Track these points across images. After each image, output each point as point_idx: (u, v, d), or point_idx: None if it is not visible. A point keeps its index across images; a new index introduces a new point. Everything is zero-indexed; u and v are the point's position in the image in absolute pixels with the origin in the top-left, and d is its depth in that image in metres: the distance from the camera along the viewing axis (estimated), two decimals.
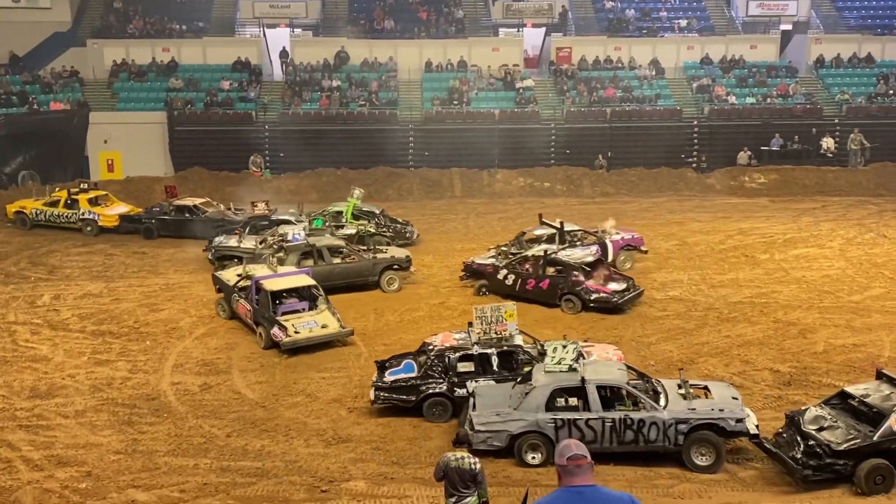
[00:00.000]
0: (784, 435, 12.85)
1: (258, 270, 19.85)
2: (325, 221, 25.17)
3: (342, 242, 22.79)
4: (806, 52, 40.23)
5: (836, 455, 12.00)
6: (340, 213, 26.25)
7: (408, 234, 26.73)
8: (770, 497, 12.18)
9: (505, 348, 15.23)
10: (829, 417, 12.69)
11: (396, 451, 13.69)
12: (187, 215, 27.90)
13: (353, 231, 24.48)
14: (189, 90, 37.17)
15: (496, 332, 15.37)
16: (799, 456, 12.20)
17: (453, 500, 10.13)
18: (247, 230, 25.07)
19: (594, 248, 22.02)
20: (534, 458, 13.08)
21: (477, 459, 10.30)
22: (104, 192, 30.08)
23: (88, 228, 28.56)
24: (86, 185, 29.93)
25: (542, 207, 29.57)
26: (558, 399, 13.28)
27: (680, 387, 13.69)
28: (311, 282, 19.19)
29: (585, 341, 16.45)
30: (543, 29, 42.04)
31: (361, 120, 36.19)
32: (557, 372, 13.48)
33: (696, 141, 36.38)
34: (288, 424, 14.67)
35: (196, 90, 37.18)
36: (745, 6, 42.37)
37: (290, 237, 22.41)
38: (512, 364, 15.15)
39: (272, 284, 18.71)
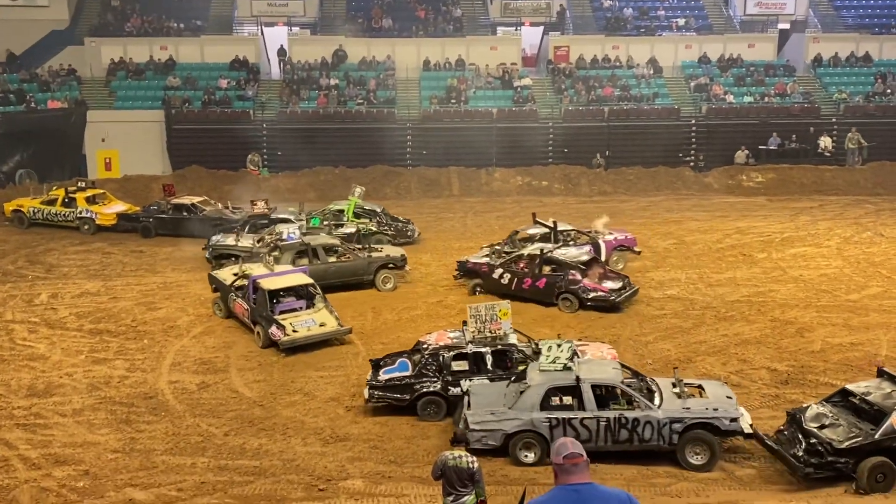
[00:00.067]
0: (785, 433, 12.86)
1: (254, 269, 19.83)
2: (325, 220, 25.16)
3: (337, 241, 22.78)
4: (804, 51, 40.23)
5: (837, 453, 12.02)
6: (341, 211, 26.18)
7: (409, 233, 26.70)
8: (768, 495, 12.19)
9: (499, 347, 15.21)
10: (831, 415, 12.69)
11: (394, 449, 13.69)
12: (185, 214, 27.86)
13: (354, 230, 24.44)
14: (187, 88, 37.11)
15: (490, 331, 15.34)
16: (800, 454, 12.21)
17: (451, 498, 10.13)
18: (245, 229, 25.07)
19: (588, 248, 21.96)
20: (527, 456, 13.09)
21: (475, 458, 10.28)
22: (102, 191, 30.04)
23: (86, 227, 28.53)
24: (83, 184, 29.90)
25: (539, 206, 29.63)
26: (553, 398, 13.27)
27: (674, 386, 13.70)
28: (309, 280, 19.18)
29: (580, 340, 16.47)
30: (541, 28, 41.98)
31: (359, 118, 36.13)
32: (552, 371, 13.48)
33: (693, 140, 36.36)
34: (286, 423, 14.67)
35: (194, 88, 37.12)
36: (742, 5, 42.28)
37: (285, 236, 22.42)
38: (506, 363, 15.13)
39: (270, 283, 18.70)
